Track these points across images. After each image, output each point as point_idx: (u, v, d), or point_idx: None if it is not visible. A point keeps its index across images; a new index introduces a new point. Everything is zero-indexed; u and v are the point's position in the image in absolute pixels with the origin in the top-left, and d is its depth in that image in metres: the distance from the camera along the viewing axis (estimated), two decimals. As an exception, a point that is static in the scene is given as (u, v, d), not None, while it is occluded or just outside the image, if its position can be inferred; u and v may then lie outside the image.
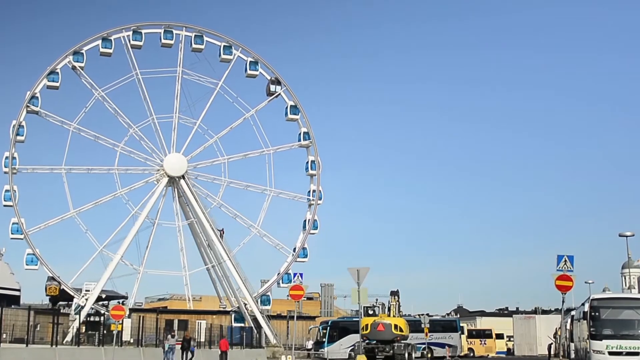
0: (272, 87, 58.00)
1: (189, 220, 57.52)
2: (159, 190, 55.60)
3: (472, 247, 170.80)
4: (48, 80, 52.96)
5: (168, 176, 55.58)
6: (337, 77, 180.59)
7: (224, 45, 57.19)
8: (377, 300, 44.44)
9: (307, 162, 58.41)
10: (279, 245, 57.23)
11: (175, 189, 57.22)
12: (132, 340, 38.08)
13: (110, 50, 54.24)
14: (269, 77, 58.12)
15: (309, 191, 58.11)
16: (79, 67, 53.87)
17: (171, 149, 56.09)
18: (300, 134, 58.42)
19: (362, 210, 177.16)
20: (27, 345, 24.88)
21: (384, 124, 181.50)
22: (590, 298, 26.06)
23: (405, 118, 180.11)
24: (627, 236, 41.76)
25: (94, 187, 70.18)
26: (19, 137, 51.96)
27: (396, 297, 46.27)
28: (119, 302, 50.35)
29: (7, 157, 51.50)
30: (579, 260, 25.84)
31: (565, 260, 26.09)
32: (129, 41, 54.61)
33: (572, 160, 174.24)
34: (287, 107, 58.01)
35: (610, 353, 24.10)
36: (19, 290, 58.67)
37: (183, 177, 55.92)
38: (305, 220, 57.63)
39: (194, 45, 56.00)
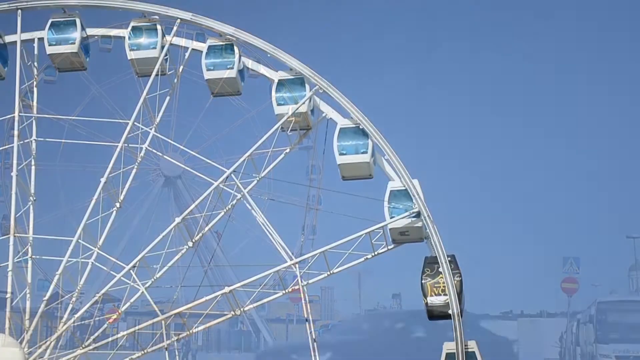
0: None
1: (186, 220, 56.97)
2: (155, 190, 55.51)
3: (475, 249, 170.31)
4: None
5: (165, 176, 55.27)
6: (337, 70, 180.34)
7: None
8: (378, 303, 43.89)
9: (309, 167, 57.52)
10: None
11: (164, 189, 56.76)
12: (127, 345, 37.42)
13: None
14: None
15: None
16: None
17: (168, 148, 55.66)
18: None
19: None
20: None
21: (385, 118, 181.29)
22: (597, 301, 25.69)
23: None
24: (635, 238, 41.20)
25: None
26: None
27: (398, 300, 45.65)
28: (113, 305, 49.64)
29: None
30: (585, 263, 25.25)
31: (572, 263, 25.47)
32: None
33: (578, 159, 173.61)
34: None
35: (617, 357, 23.62)
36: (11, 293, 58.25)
37: (180, 177, 55.52)
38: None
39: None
